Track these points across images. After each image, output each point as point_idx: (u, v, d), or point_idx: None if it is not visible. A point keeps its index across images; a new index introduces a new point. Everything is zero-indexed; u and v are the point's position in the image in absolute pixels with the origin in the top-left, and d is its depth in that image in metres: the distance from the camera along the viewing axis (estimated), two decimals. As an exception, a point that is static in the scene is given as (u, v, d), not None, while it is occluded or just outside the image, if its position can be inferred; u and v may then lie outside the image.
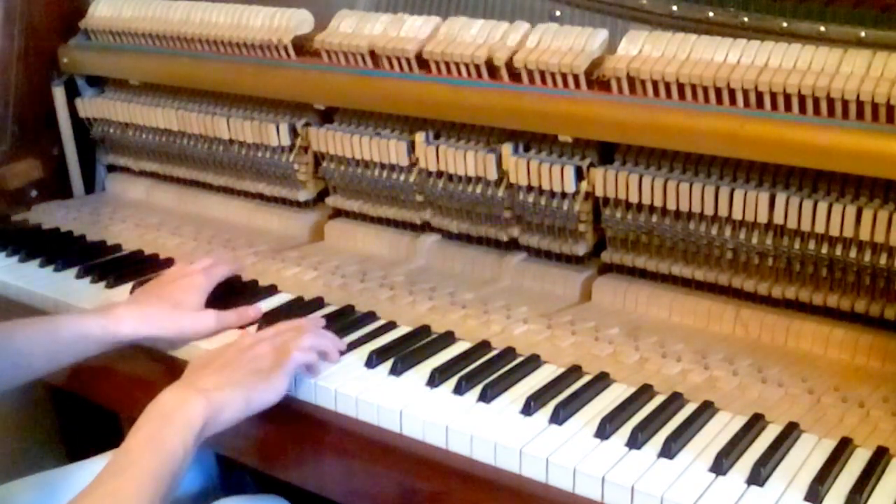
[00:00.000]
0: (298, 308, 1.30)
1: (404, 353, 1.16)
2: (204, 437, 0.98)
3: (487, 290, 1.36)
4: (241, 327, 1.25)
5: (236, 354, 1.09)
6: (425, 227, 1.49)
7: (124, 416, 1.40)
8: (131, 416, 0.98)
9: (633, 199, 1.24)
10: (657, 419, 1.01)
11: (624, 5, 1.30)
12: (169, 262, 1.47)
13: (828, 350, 1.16)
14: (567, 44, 1.25)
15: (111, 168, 1.91)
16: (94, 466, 1.16)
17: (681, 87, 1.17)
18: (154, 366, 1.24)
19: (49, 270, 1.48)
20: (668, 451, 0.96)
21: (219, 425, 1.00)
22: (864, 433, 0.99)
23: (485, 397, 1.07)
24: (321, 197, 1.61)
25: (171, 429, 0.95)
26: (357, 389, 1.10)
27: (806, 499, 0.89)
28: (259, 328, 1.24)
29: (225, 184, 1.71)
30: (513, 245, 1.41)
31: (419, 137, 1.40)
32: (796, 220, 1.14)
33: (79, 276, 1.45)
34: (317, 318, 1.24)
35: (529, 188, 1.33)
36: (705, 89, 1.15)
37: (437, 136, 1.41)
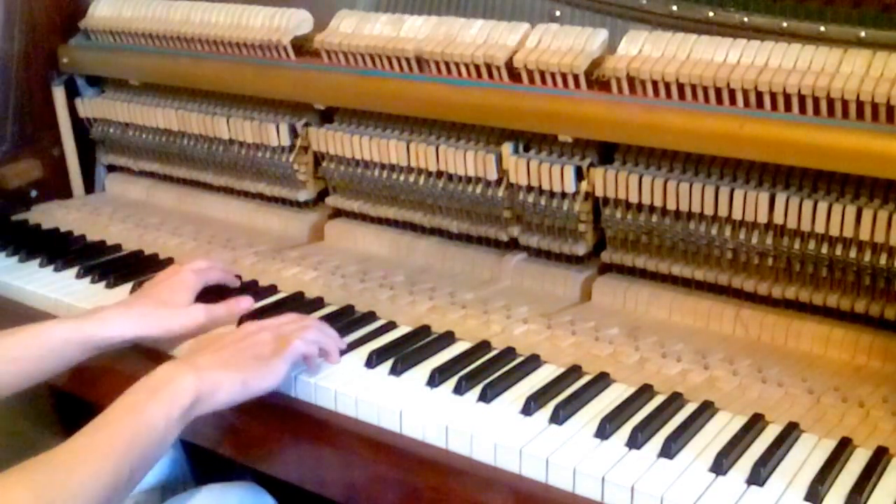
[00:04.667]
0: (299, 306, 1.30)
1: (404, 353, 1.16)
2: (195, 414, 0.99)
3: (487, 290, 1.36)
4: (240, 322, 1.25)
5: (238, 338, 1.10)
6: (430, 230, 1.49)
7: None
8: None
9: (633, 199, 1.24)
10: (657, 419, 1.01)
11: (624, 5, 1.30)
12: (169, 262, 1.47)
13: (828, 350, 1.16)
14: (567, 44, 1.25)
15: (111, 168, 1.90)
16: None
17: (681, 87, 1.17)
18: (154, 366, 1.23)
19: (49, 270, 1.48)
20: (668, 451, 0.96)
21: (213, 405, 1.01)
22: (864, 433, 0.99)
23: (485, 397, 1.07)
24: (321, 197, 1.61)
25: (155, 401, 0.96)
26: (357, 389, 1.10)
27: (806, 499, 0.89)
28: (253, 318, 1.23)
29: (225, 184, 1.71)
30: (513, 245, 1.41)
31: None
32: (796, 220, 1.14)
33: (79, 276, 1.44)
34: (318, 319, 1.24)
35: (529, 188, 1.33)
36: (705, 89, 1.15)
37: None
